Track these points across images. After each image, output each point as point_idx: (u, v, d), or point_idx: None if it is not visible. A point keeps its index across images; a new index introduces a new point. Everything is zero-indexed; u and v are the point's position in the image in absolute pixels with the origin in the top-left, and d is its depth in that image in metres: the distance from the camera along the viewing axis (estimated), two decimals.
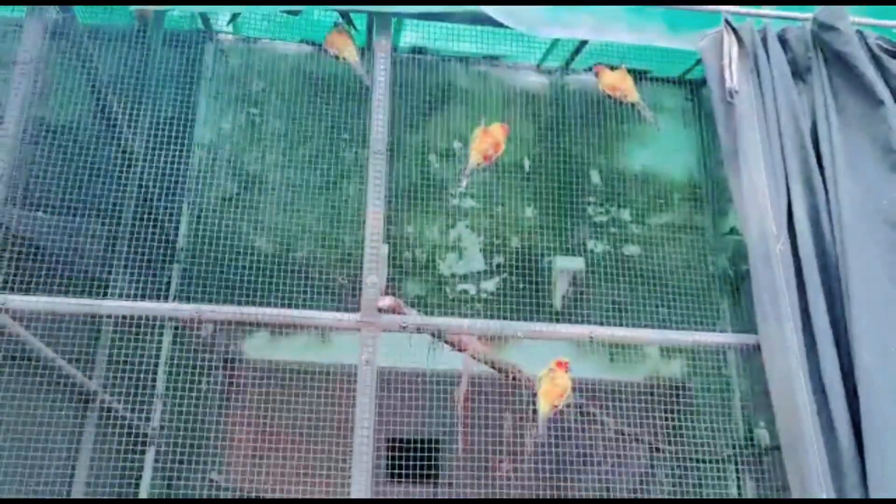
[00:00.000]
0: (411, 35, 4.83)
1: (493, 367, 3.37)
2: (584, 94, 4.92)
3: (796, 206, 2.98)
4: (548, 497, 4.04)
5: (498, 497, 3.89)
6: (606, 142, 5.20)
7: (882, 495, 2.52)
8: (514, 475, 3.90)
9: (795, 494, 2.61)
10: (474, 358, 3.21)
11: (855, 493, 2.56)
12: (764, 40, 3.25)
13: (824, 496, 2.54)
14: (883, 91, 3.07)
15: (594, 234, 5.02)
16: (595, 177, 5.19)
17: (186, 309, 2.79)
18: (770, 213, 2.94)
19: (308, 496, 3.79)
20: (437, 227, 4.92)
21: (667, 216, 5.09)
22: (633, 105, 3.60)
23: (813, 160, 3.07)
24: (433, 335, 3.08)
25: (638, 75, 4.40)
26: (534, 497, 3.97)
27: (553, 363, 2.99)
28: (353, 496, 2.60)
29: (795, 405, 2.67)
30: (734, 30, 3.26)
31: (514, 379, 3.32)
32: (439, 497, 4.45)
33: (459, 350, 3.18)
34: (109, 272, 3.86)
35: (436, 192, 4.90)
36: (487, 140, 3.26)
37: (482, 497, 3.89)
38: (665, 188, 5.15)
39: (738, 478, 4.35)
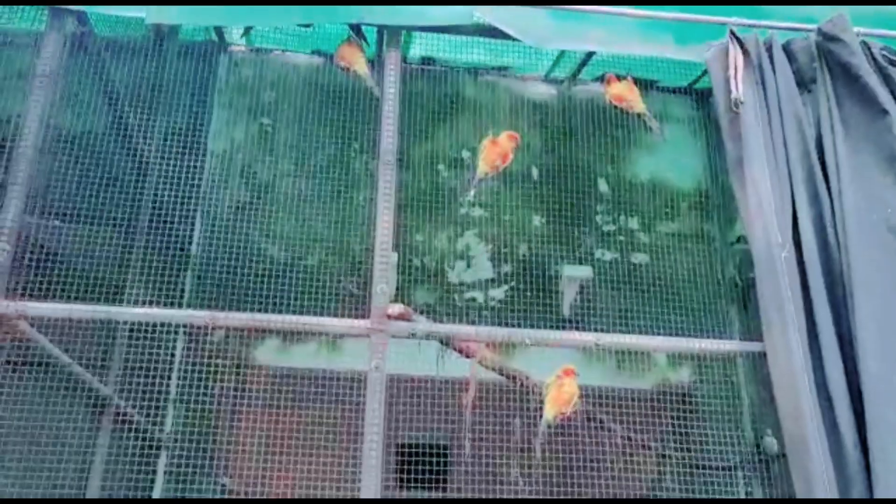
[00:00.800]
0: (420, 46, 4.89)
1: (502, 374, 3.41)
2: (592, 103, 4.97)
3: (801, 214, 3.01)
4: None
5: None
6: (614, 151, 5.24)
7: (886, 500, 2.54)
8: (523, 481, 3.93)
9: (800, 495, 2.63)
10: (482, 365, 3.25)
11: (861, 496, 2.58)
12: (769, 51, 3.28)
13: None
14: (887, 101, 3.10)
15: (602, 243, 5.06)
16: (603, 185, 5.23)
17: (200, 315, 2.85)
18: (775, 222, 2.97)
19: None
20: (446, 235, 4.97)
21: (675, 225, 5.12)
22: (639, 116, 3.64)
23: (818, 170, 3.10)
24: (442, 342, 3.12)
25: (646, 85, 4.45)
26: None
27: (560, 371, 3.02)
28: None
29: (800, 412, 2.70)
30: (739, 41, 3.30)
31: (521, 385, 3.36)
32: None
33: (467, 357, 3.22)
34: (124, 279, 3.93)
35: (445, 201, 4.95)
36: (495, 150, 3.31)
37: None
38: (673, 197, 5.18)
39: (747, 485, 4.37)
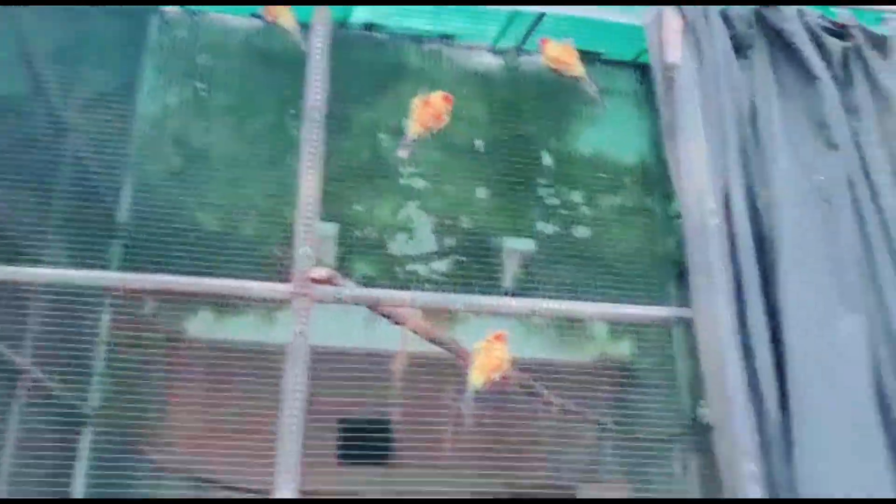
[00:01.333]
0: (363, 11, 4.76)
1: (434, 342, 3.34)
2: (538, 75, 4.90)
3: (734, 181, 2.99)
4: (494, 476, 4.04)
5: (445, 474, 3.88)
6: (559, 124, 5.20)
7: (807, 470, 2.54)
8: (459, 452, 3.89)
9: (723, 467, 2.62)
10: (415, 332, 3.18)
11: (781, 466, 2.58)
12: (707, 17, 3.25)
13: (752, 467, 2.55)
14: (820, 68, 3.09)
15: (545, 216, 5.01)
16: (547, 159, 5.17)
17: (111, 277, 2.71)
18: (707, 188, 2.95)
19: (252, 479, 3.73)
20: (388, 206, 4.88)
21: (617, 199, 5.11)
22: (577, 79, 3.58)
23: (752, 136, 3.09)
24: (371, 308, 3.03)
25: (591, 57, 4.39)
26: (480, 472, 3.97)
27: (491, 336, 2.96)
28: (279, 480, 2.53)
29: (726, 379, 2.68)
30: (678, 6, 3.26)
31: (455, 354, 3.29)
32: (390, 478, 4.43)
33: (398, 324, 3.14)
34: (45, 247, 3.74)
35: (387, 172, 4.85)
36: (428, 111, 3.21)
37: (430, 475, 3.89)
38: (616, 171, 5.16)
39: (683, 455, 4.40)
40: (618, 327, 4.71)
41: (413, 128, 3.19)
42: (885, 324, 2.80)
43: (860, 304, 2.81)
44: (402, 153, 3.21)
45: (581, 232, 5.00)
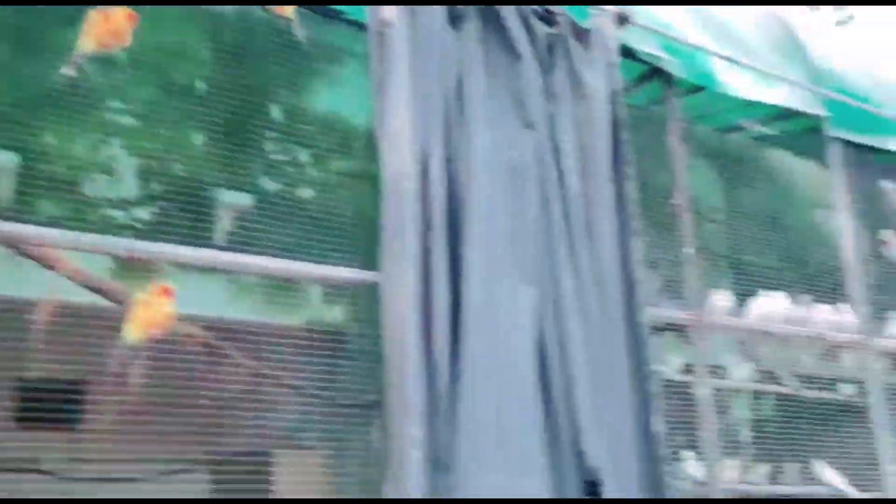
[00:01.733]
0: None
1: (96, 291, 2.98)
2: (274, 22, 4.62)
3: (434, 148, 3.01)
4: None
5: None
6: (293, 78, 4.96)
7: (468, 435, 2.63)
8: (140, 416, 3.56)
9: (391, 430, 2.63)
10: (70, 279, 2.80)
11: (444, 433, 2.63)
12: None
13: (416, 432, 2.57)
14: (525, 48, 3.20)
15: (268, 172, 4.77)
16: (277, 112, 4.92)
17: None
18: (408, 151, 2.93)
19: None
20: (87, 142, 4.33)
21: (345, 162, 5.00)
22: (288, 21, 3.39)
23: (456, 106, 3.12)
24: (13, 247, 2.60)
25: (334, 16, 4.22)
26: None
27: (156, 289, 2.68)
28: None
29: (405, 345, 2.69)
30: None
31: (119, 303, 2.96)
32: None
33: (49, 268, 2.74)
34: None
35: (88, 102, 4.28)
36: (105, 26, 2.82)
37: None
38: (347, 134, 5.04)
39: (382, 423, 4.43)
40: (330, 291, 4.63)
41: (86, 43, 2.78)
42: (554, 298, 2.98)
43: (535, 278, 2.95)
44: (69, 70, 2.80)
45: (304, 192, 4.83)
